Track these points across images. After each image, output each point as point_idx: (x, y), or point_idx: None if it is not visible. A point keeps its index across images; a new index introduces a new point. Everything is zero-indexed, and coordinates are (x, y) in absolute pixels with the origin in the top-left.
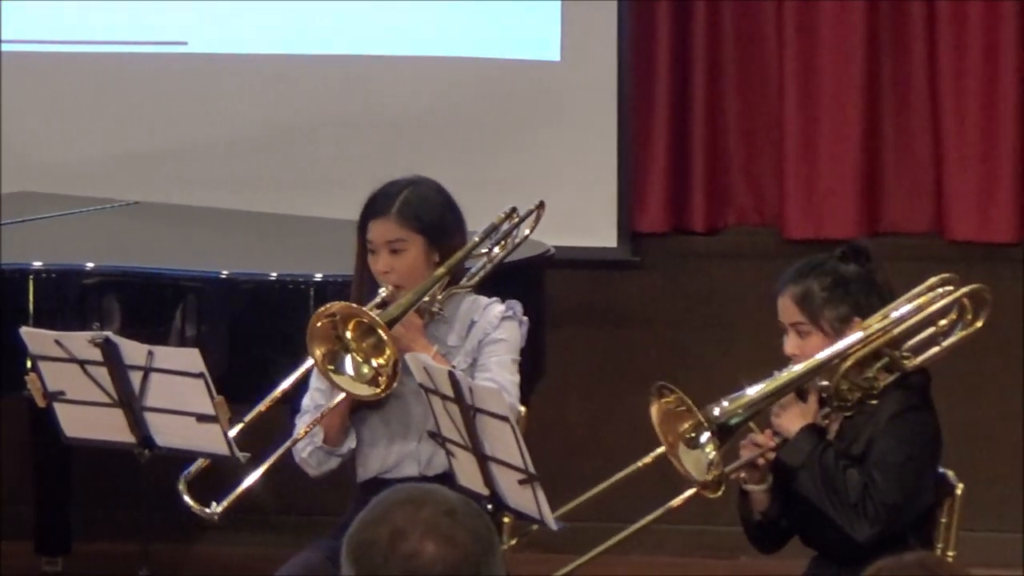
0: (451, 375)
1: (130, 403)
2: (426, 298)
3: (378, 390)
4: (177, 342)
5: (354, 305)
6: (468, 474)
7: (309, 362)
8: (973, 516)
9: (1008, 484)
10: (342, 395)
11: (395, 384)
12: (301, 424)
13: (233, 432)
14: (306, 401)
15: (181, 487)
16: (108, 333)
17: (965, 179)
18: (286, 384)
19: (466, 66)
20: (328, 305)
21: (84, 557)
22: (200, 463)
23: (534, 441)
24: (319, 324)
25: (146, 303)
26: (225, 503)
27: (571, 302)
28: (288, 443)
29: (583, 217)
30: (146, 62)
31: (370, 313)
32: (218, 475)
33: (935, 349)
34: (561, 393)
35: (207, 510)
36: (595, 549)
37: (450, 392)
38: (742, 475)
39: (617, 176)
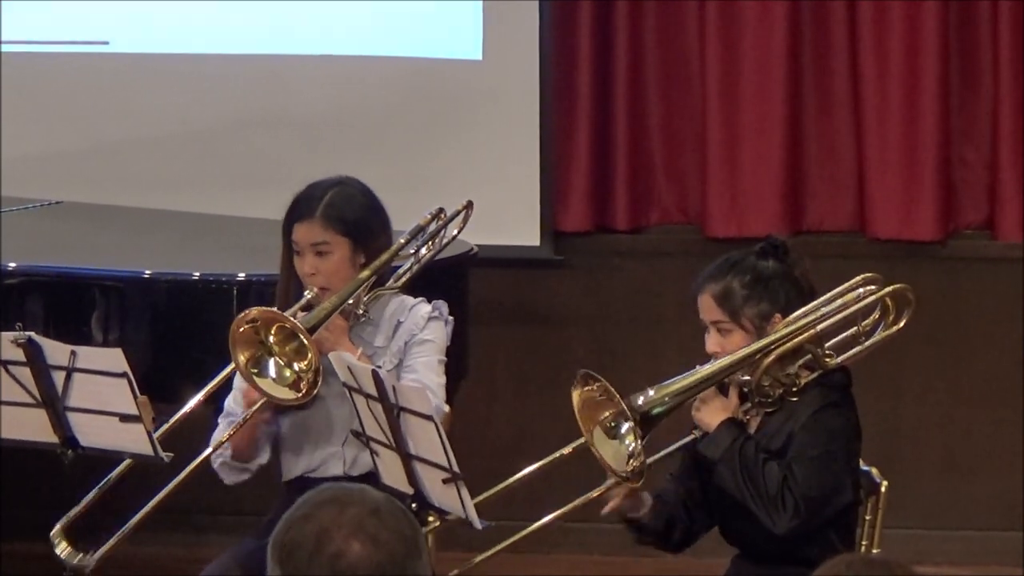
0: (375, 374)
1: (53, 403)
2: (350, 300)
3: (299, 394)
4: (100, 342)
5: (274, 310)
6: (392, 473)
7: (231, 366)
8: (896, 514)
9: (931, 480)
10: (252, 410)
11: (317, 388)
12: (221, 428)
13: (157, 433)
14: (229, 402)
15: (55, 537)
16: (31, 333)
17: (887, 177)
18: (208, 388)
19: (388, 65)
20: (248, 311)
21: (8, 557)
22: (79, 508)
23: (458, 440)
24: (240, 330)
25: (69, 303)
26: (101, 552)
27: (494, 301)
28: (195, 461)
29: (506, 216)
30: (68, 61)
31: (291, 319)
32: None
33: (857, 348)
34: (485, 392)
35: (81, 557)
36: (509, 539)
37: (374, 391)
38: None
39: (540, 175)
